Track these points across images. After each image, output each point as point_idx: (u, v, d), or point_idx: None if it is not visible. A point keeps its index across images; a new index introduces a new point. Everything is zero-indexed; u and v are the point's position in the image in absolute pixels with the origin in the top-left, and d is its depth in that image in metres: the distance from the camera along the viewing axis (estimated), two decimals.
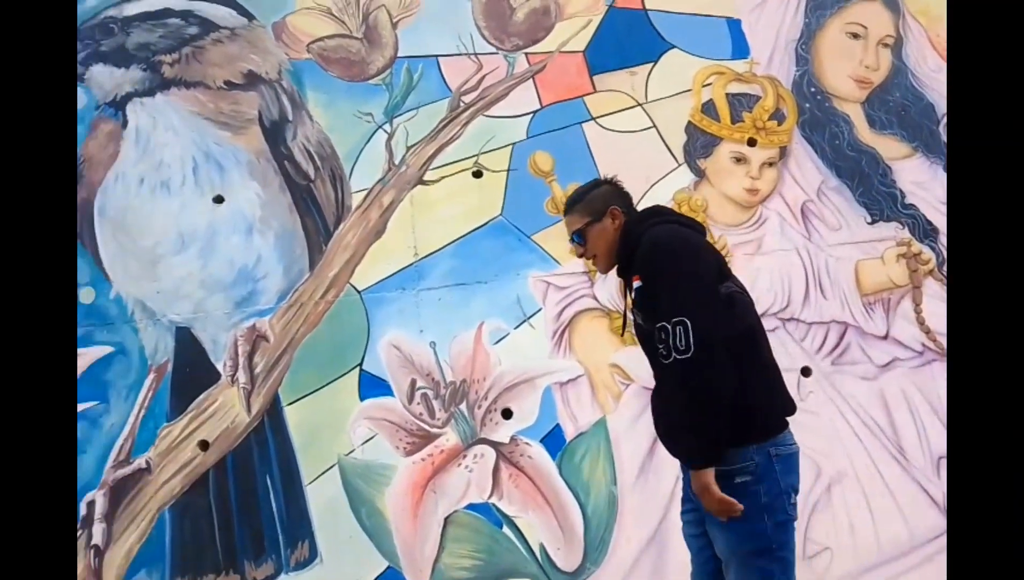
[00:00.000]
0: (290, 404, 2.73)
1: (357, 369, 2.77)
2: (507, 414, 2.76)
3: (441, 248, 2.90)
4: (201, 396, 2.73)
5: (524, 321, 2.84)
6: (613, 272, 1.90)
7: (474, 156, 2.99)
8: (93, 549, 2.58)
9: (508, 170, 2.99)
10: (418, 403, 2.75)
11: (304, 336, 2.79)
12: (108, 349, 2.74)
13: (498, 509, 2.68)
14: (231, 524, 2.62)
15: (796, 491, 1.65)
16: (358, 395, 2.76)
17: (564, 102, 3.08)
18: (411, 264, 2.87)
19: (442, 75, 3.07)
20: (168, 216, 2.88)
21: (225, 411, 2.70)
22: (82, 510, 2.62)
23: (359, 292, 2.84)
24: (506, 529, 2.66)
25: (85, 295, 2.79)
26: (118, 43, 3.02)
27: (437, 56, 3.09)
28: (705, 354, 1.54)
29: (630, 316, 1.81)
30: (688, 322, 1.56)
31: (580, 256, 1.93)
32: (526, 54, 3.12)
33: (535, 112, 3.05)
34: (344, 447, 2.70)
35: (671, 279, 1.66)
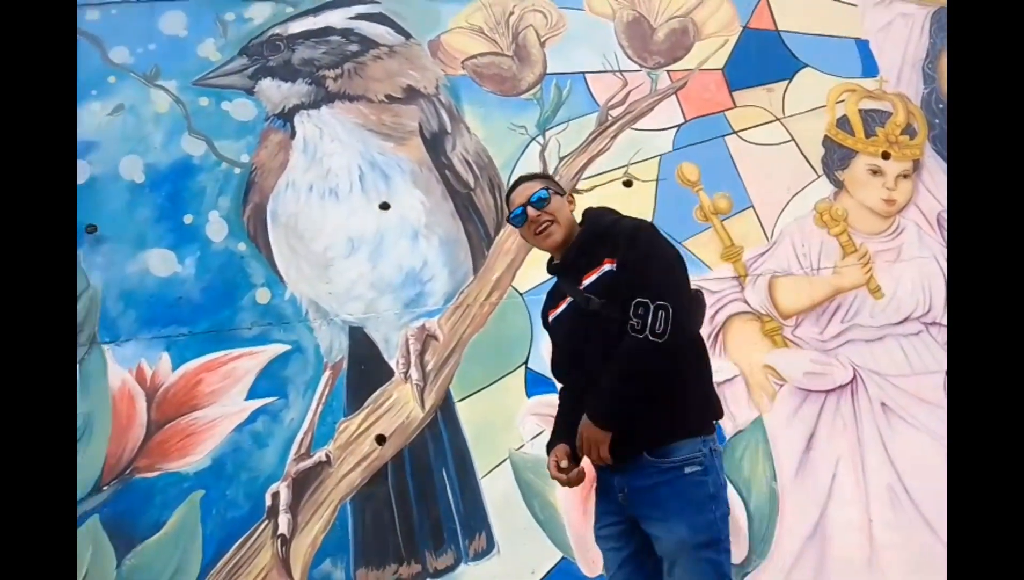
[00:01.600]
0: (461, 400, 3.15)
1: (523, 367, 3.20)
2: None
3: None
4: (376, 392, 3.16)
5: None
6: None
7: (624, 167, 3.47)
8: (280, 538, 2.97)
9: (657, 180, 3.47)
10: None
11: (471, 336, 3.22)
12: (285, 347, 3.18)
13: None
14: (411, 515, 3.02)
15: (726, 485, 1.92)
16: (525, 392, 3.16)
17: (706, 117, 3.54)
18: None
19: (589, 90, 3.58)
20: (337, 221, 3.35)
21: (400, 406, 3.12)
22: (267, 501, 3.04)
23: (521, 294, 3.27)
24: None
25: (261, 295, 3.25)
26: (284, 59, 3.53)
27: (584, 72, 3.61)
28: (675, 343, 1.74)
29: (586, 296, 1.93)
30: (670, 308, 1.73)
31: (533, 221, 2.02)
32: (668, 71, 3.60)
33: (680, 125, 3.55)
34: (514, 442, 3.11)
35: (661, 263, 1.86)
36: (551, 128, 3.76)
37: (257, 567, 3.14)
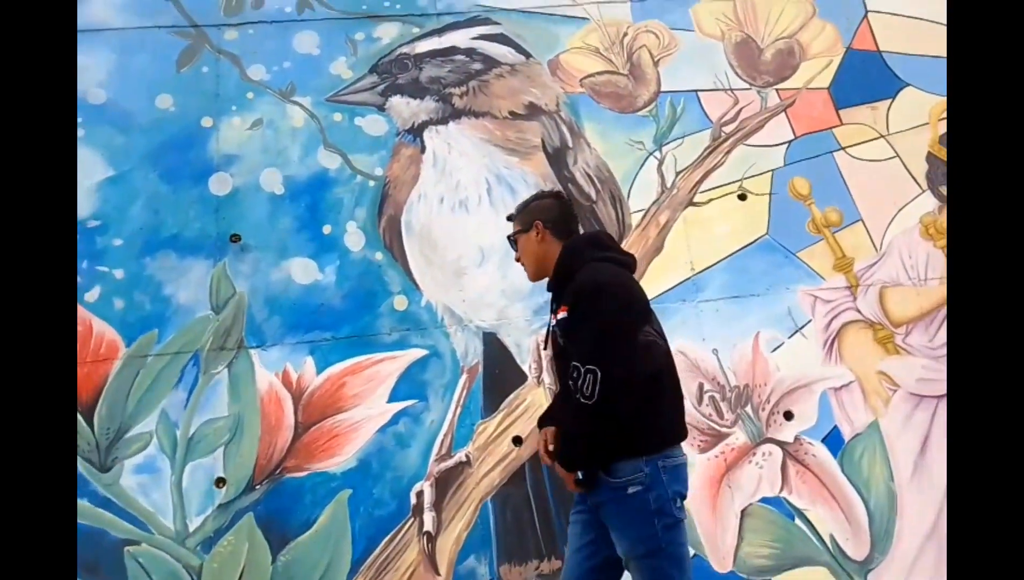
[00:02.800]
0: None
1: None
2: (788, 416, 3.31)
3: (715, 263, 3.52)
4: (511, 395, 3.31)
5: (796, 331, 3.43)
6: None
7: (738, 181, 3.63)
8: (425, 535, 3.11)
9: (770, 193, 3.62)
10: (707, 405, 3.30)
11: None
12: (424, 351, 3.35)
13: (789, 503, 3.21)
14: (549, 514, 3.16)
15: (683, 496, 2.08)
16: None
17: (815, 133, 3.69)
18: (689, 278, 3.48)
19: (702, 108, 3.75)
20: (468, 232, 3.53)
21: (535, 409, 3.30)
22: (412, 499, 3.19)
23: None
24: (798, 521, 3.17)
25: (398, 302, 3.41)
26: (412, 77, 3.71)
27: (697, 90, 3.76)
28: (603, 406, 1.92)
29: (555, 330, 2.18)
30: (599, 373, 1.90)
31: (517, 260, 2.40)
32: (776, 90, 3.76)
33: (790, 142, 3.71)
34: None
35: (595, 326, 2.00)
36: (667, 143, 3.93)
37: (405, 563, 3.29)
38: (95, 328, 3.50)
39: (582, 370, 1.91)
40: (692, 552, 3.34)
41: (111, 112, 3.84)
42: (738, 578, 3.31)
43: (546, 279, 2.34)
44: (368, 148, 3.87)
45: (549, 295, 3.61)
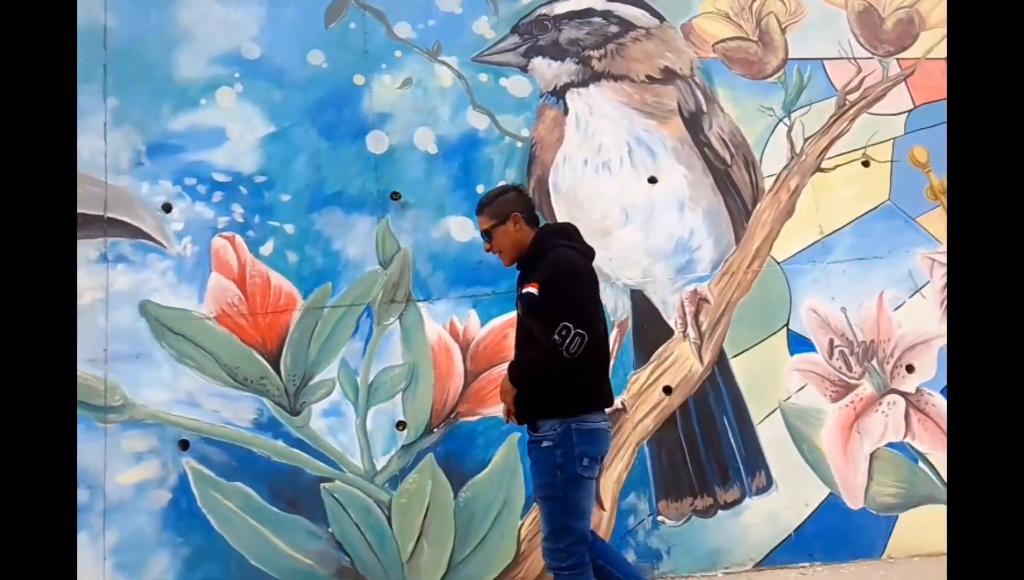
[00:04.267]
0: (734, 357, 3.62)
1: (784, 329, 3.64)
2: (910, 369, 3.68)
3: (841, 227, 3.82)
4: (660, 348, 3.63)
5: (916, 291, 3.76)
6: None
7: (862, 148, 3.87)
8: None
9: (891, 161, 3.87)
10: (837, 358, 3.64)
11: (738, 299, 3.68)
12: None
13: (912, 447, 3.57)
14: (699, 456, 3.50)
15: (592, 457, 2.36)
16: (788, 350, 3.60)
17: (934, 103, 3.93)
18: (818, 240, 3.77)
19: (827, 76, 3.99)
20: (611, 193, 3.76)
21: (682, 361, 3.59)
22: None
23: (779, 263, 3.69)
24: (921, 464, 3.54)
25: None
26: (552, 38, 3.88)
27: (822, 59, 3.95)
28: (579, 363, 2.28)
29: (518, 300, 2.52)
30: (586, 337, 2.27)
31: (488, 250, 2.63)
32: (897, 59, 3.97)
33: (910, 111, 3.95)
34: (782, 393, 3.60)
35: (578, 295, 2.36)
36: (795, 110, 4.15)
37: None
38: (272, 281, 3.71)
39: (573, 330, 2.24)
40: (828, 492, 3.72)
41: (265, 67, 3.95)
42: (868, 514, 3.71)
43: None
44: (514, 109, 4.04)
45: (688, 256, 3.90)
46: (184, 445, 3.54)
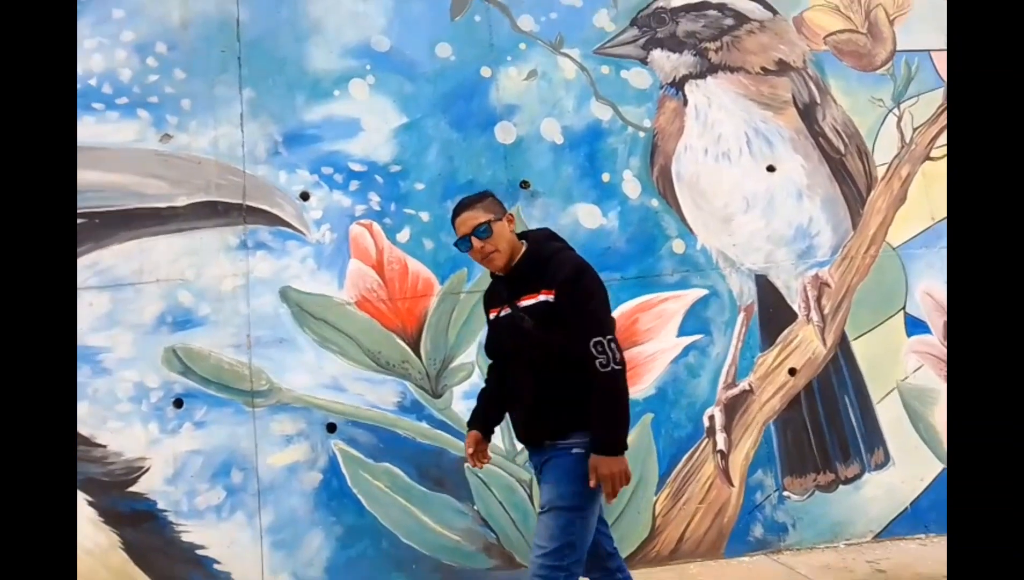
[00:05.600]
0: (855, 339, 3.71)
1: (902, 312, 3.72)
2: None
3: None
4: (785, 331, 3.71)
5: None
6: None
7: None
8: (719, 454, 3.53)
9: None
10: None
11: (858, 284, 3.76)
12: (704, 291, 3.70)
13: None
14: (822, 434, 3.61)
15: None
16: (905, 332, 3.70)
17: None
18: (929, 226, 3.86)
19: (935, 66, 4.04)
20: (732, 181, 3.83)
21: (806, 344, 3.67)
22: (705, 422, 3.56)
23: (894, 249, 3.76)
24: None
25: (676, 246, 3.77)
26: (670, 31, 3.92)
27: (929, 50, 4.02)
28: (624, 366, 2.09)
29: (522, 314, 2.19)
30: (616, 341, 2.08)
31: (478, 250, 2.23)
32: None
33: None
34: (900, 374, 3.69)
35: (601, 304, 2.15)
36: (904, 101, 4.22)
37: (704, 476, 3.71)
38: (410, 267, 3.76)
39: (605, 342, 2.05)
40: (941, 467, 3.81)
41: (396, 59, 3.99)
42: None
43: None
44: (635, 100, 4.09)
45: (808, 242, 3.97)
46: (331, 428, 3.59)
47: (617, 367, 2.06)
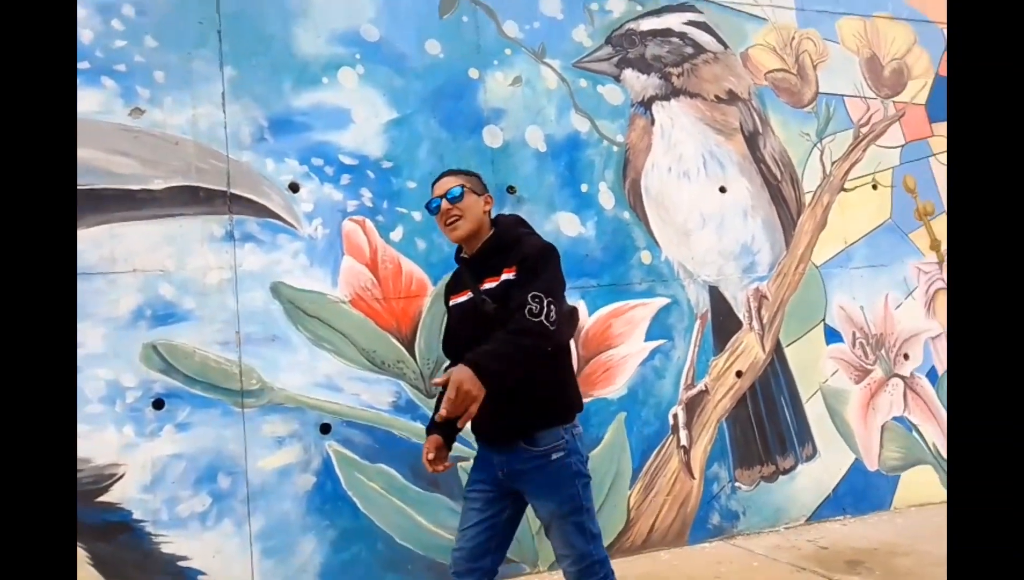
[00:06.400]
0: (788, 346, 4.23)
1: (822, 322, 4.30)
2: (906, 357, 4.49)
3: (859, 239, 4.59)
4: (733, 338, 4.18)
5: (909, 294, 4.59)
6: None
7: (871, 174, 4.62)
8: (682, 449, 3.89)
9: (891, 186, 4.65)
10: (857, 348, 4.38)
11: (789, 297, 4.31)
12: (667, 300, 4.05)
13: (909, 420, 4.39)
14: (765, 430, 4.11)
15: (587, 457, 2.18)
16: (824, 341, 4.28)
17: (916, 141, 4.78)
18: (843, 249, 4.50)
19: (847, 110, 4.66)
20: (691, 199, 4.25)
21: (750, 349, 4.16)
22: (670, 420, 3.94)
23: (817, 267, 4.35)
24: (915, 433, 4.37)
25: (644, 257, 4.11)
26: (639, 52, 4.27)
27: (843, 95, 4.66)
28: (556, 339, 2.00)
29: (484, 298, 2.11)
30: (560, 309, 1.99)
31: (444, 213, 2.18)
32: (893, 102, 4.78)
33: (903, 145, 4.76)
34: (821, 377, 4.27)
35: (553, 275, 2.06)
36: (825, 137, 4.78)
37: (670, 470, 4.00)
38: (404, 267, 3.68)
39: (545, 300, 1.94)
40: (854, 458, 4.41)
41: (386, 51, 3.86)
42: (881, 474, 4.46)
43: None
44: (610, 115, 4.28)
45: (751, 258, 4.40)
46: (325, 429, 3.44)
47: (546, 325, 1.91)
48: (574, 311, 2.27)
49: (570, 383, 2.20)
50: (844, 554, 3.67)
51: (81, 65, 3.38)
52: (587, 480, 2.11)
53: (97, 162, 3.33)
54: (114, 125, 3.38)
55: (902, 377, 4.67)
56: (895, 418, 4.60)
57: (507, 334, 1.92)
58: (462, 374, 1.83)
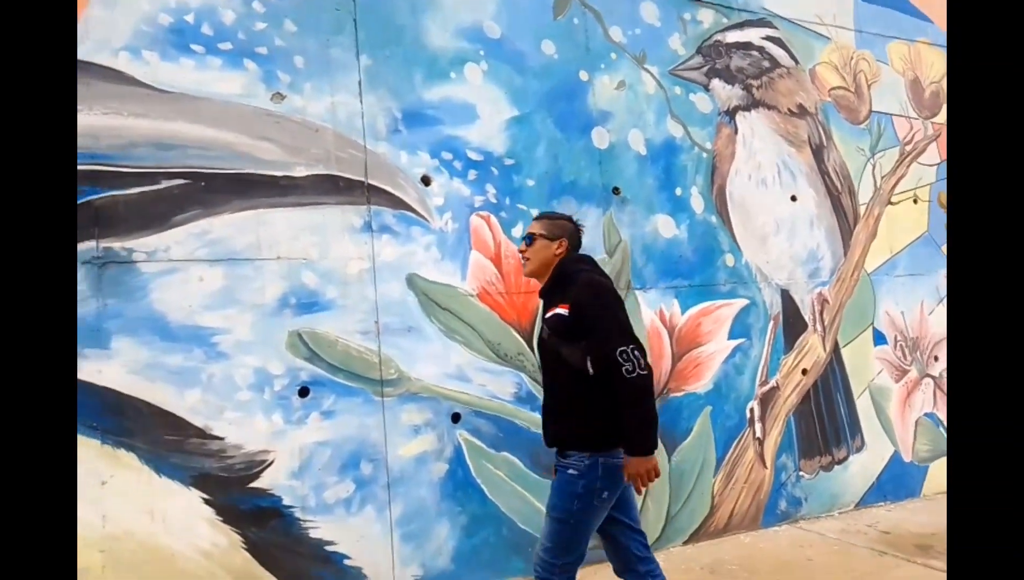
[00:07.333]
0: (844, 346, 4.46)
1: (871, 326, 4.58)
2: (936, 359, 4.80)
3: (902, 249, 4.88)
4: (800, 338, 4.36)
5: (940, 301, 4.87)
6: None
7: (913, 189, 4.91)
8: (757, 441, 4.11)
9: (929, 201, 4.95)
10: (898, 350, 4.67)
11: (846, 301, 4.56)
12: (746, 301, 4.22)
13: (936, 416, 4.72)
14: (824, 424, 4.37)
15: (611, 492, 2.27)
16: (872, 342, 4.57)
17: None
18: (888, 259, 4.75)
19: (894, 128, 4.92)
20: (767, 206, 4.42)
21: (814, 349, 4.40)
22: (747, 414, 4.12)
23: (868, 274, 4.62)
24: (941, 428, 4.71)
25: (728, 259, 4.28)
26: (725, 64, 4.40)
27: (891, 114, 4.91)
28: (648, 373, 2.17)
29: (542, 325, 2.41)
30: (639, 346, 2.16)
31: (521, 252, 2.53)
32: (932, 122, 5.07)
33: (939, 163, 5.04)
34: (869, 376, 4.53)
35: (613, 318, 2.22)
36: (876, 153, 5.00)
37: (747, 460, 4.19)
38: None
39: (629, 350, 2.13)
40: (893, 450, 4.72)
41: (507, 49, 3.82)
42: (914, 465, 4.78)
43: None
44: (700, 122, 4.37)
45: (816, 264, 4.61)
46: (456, 418, 3.45)
47: (643, 373, 2.14)
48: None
49: (612, 415, 2.24)
50: (908, 538, 3.95)
51: (223, 46, 3.22)
52: (588, 507, 2.26)
53: (243, 147, 3.20)
54: (258, 110, 3.24)
55: (932, 377, 5.01)
56: (926, 414, 4.94)
57: (628, 402, 2.17)
58: (629, 467, 2.20)
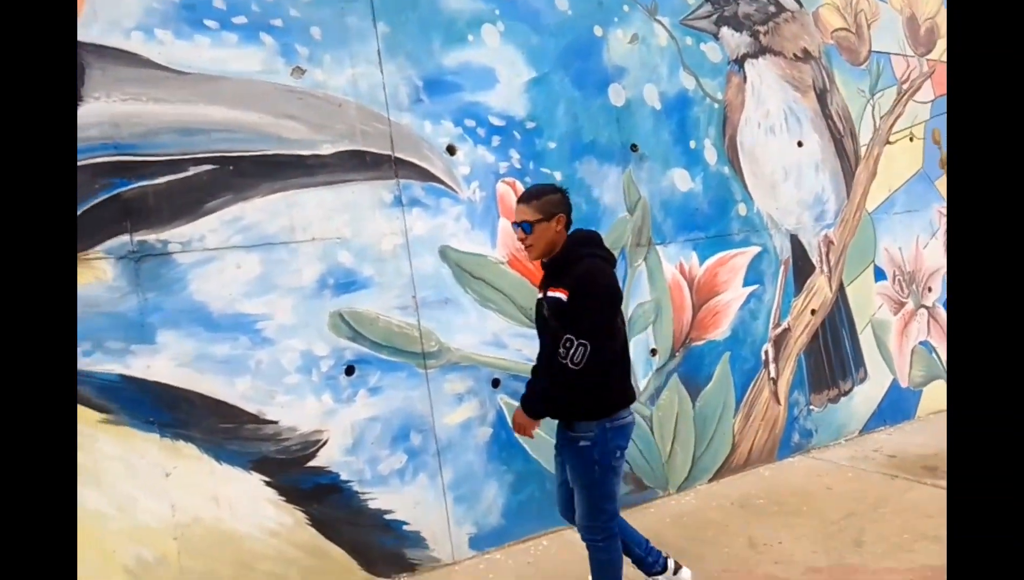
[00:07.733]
0: (848, 285, 4.57)
1: (872, 264, 4.68)
2: (929, 289, 4.95)
3: (899, 187, 4.93)
4: (808, 280, 4.47)
5: (932, 235, 5.00)
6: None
7: (909, 127, 4.95)
8: (772, 381, 4.25)
9: (923, 138, 5.01)
10: (896, 284, 4.82)
11: (849, 241, 4.65)
12: (759, 248, 4.28)
13: (930, 343, 4.92)
14: (831, 359, 4.50)
15: (623, 448, 2.46)
16: (874, 279, 4.69)
17: (941, 97, 5.13)
18: (887, 197, 4.83)
19: (892, 67, 4.91)
20: (776, 153, 4.43)
21: (821, 290, 4.52)
22: (762, 356, 4.25)
23: (869, 213, 4.70)
24: (933, 355, 4.91)
25: (741, 209, 4.29)
26: (733, 11, 4.33)
27: (889, 53, 4.91)
28: (584, 372, 2.29)
29: (544, 303, 2.49)
30: (589, 347, 2.28)
31: (521, 241, 2.51)
32: (927, 59, 5.08)
33: (933, 100, 5.08)
34: (871, 311, 4.68)
35: (591, 310, 2.34)
36: (876, 93, 4.99)
37: (763, 399, 4.33)
38: None
39: (576, 342, 2.28)
40: (892, 378, 4.90)
41: (521, 7, 3.67)
42: (910, 390, 4.99)
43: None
44: (711, 73, 4.29)
45: (821, 207, 4.65)
46: (496, 383, 3.48)
47: (570, 367, 2.28)
48: (617, 329, 2.48)
49: (614, 387, 2.45)
50: (913, 460, 4.16)
51: (238, 20, 3.04)
52: (607, 466, 2.42)
53: (267, 127, 3.06)
54: (279, 87, 3.09)
55: (926, 307, 5.16)
56: (920, 342, 5.12)
57: (544, 377, 2.42)
58: (516, 414, 2.50)
